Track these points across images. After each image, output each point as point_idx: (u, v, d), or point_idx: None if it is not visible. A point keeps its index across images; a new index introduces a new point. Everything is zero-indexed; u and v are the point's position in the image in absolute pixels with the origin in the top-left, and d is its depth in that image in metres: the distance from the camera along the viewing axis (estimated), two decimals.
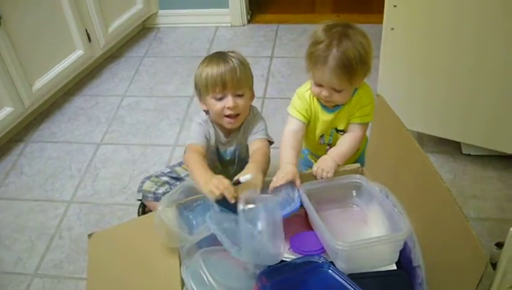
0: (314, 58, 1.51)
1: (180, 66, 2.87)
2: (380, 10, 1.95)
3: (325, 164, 1.52)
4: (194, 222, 1.46)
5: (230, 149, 1.76)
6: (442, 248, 1.21)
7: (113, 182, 2.23)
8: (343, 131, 1.66)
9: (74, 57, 2.64)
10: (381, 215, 1.43)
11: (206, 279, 1.26)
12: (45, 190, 2.22)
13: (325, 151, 1.63)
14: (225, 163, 1.80)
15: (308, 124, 1.66)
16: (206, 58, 1.67)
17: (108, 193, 2.17)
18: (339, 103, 1.60)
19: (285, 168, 1.49)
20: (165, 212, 1.37)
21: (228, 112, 1.62)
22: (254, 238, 1.30)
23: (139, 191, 1.86)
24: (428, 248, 1.26)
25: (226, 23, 3.18)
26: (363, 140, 1.68)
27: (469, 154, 2.16)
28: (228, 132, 1.73)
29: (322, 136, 1.69)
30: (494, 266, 1.13)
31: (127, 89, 2.76)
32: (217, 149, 1.77)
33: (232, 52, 1.66)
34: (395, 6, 1.83)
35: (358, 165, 1.56)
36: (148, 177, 1.89)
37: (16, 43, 2.31)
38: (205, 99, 1.65)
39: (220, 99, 1.62)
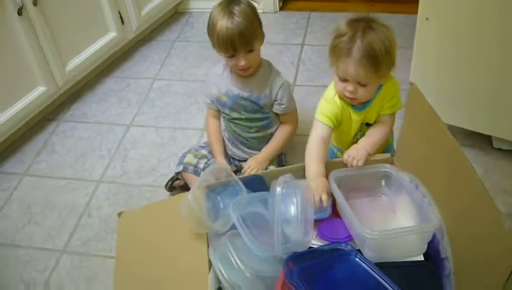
0: (337, 51, 1.48)
1: (210, 51, 2.81)
2: (415, 0, 1.92)
3: (356, 152, 1.51)
4: (221, 205, 1.47)
5: (246, 94, 1.84)
6: (472, 240, 1.20)
7: (141, 163, 2.25)
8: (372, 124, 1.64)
9: (107, 39, 2.67)
10: (410, 206, 1.42)
11: (234, 261, 1.27)
12: (75, 169, 2.26)
13: None
14: (244, 108, 1.87)
15: (340, 126, 1.64)
16: (218, 6, 1.73)
17: (136, 174, 2.20)
18: (364, 99, 1.55)
19: (318, 183, 1.45)
20: (194, 199, 1.37)
21: (241, 68, 1.74)
22: (286, 223, 1.31)
23: (180, 163, 1.96)
24: (457, 239, 1.25)
25: (258, 10, 3.15)
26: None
27: (500, 149, 2.12)
28: (243, 77, 1.83)
29: (355, 135, 1.68)
30: None
31: (157, 73, 2.78)
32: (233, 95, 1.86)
33: (239, 3, 1.71)
34: None
35: (388, 155, 1.55)
36: (189, 151, 2.00)
37: (51, 24, 2.34)
38: (218, 52, 1.76)
39: (232, 56, 1.72)
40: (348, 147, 1.65)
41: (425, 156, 1.42)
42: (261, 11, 3.16)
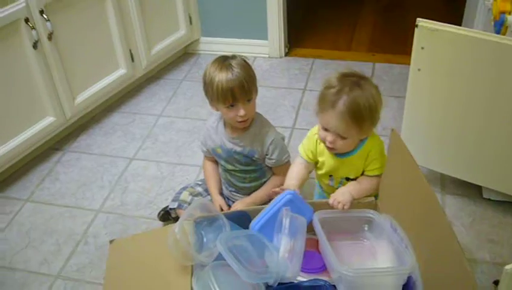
0: (324, 102, 1.56)
1: None
2: None
3: (342, 197, 1.57)
4: (205, 239, 1.52)
5: (239, 149, 1.89)
6: (441, 280, 1.25)
7: (140, 196, 2.33)
8: (354, 180, 1.70)
9: (117, 75, 2.79)
10: (389, 251, 1.48)
11: None
12: (76, 197, 2.34)
13: None
14: (238, 161, 1.92)
15: (319, 165, 1.74)
16: (212, 64, 1.79)
17: (134, 206, 2.27)
18: (342, 151, 1.63)
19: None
20: (180, 231, 1.43)
21: (240, 119, 1.78)
22: (275, 258, 1.38)
23: (175, 200, 2.02)
24: (428, 280, 1.30)
25: (264, 54, 3.29)
26: None
27: (489, 199, 2.17)
28: (236, 132, 1.88)
29: (330, 177, 1.74)
30: None
31: (163, 110, 2.89)
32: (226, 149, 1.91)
33: (234, 58, 1.78)
34: (422, 48, 1.89)
35: (372, 198, 1.62)
36: (185, 188, 2.07)
37: (64, 58, 2.46)
38: (216, 105, 1.81)
39: (231, 106, 1.76)
40: (325, 188, 1.76)
41: (403, 201, 1.48)
42: (267, 56, 3.29)
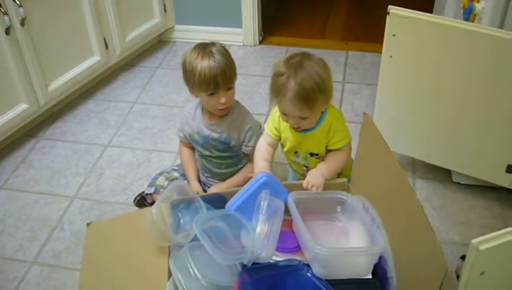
0: (274, 91, 1.60)
1: None
2: None
3: (315, 180, 1.61)
4: (182, 221, 1.54)
5: (216, 135, 1.91)
6: (412, 258, 1.30)
7: (116, 182, 2.33)
8: (317, 155, 1.74)
9: (91, 62, 2.77)
10: (361, 231, 1.51)
11: (191, 271, 1.35)
12: (51, 184, 2.33)
13: (305, 172, 1.73)
14: (215, 148, 1.94)
15: (283, 142, 1.78)
16: (192, 52, 1.78)
17: (110, 192, 2.28)
18: (308, 127, 1.67)
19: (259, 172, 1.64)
20: (158, 213, 1.45)
21: (221, 107, 1.80)
22: (250, 237, 1.41)
23: (151, 185, 2.02)
24: (399, 259, 1.35)
25: (239, 42, 3.30)
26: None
27: (459, 183, 2.24)
28: (214, 118, 1.90)
29: (295, 153, 1.78)
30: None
31: (138, 97, 2.89)
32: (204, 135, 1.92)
33: (214, 45, 1.78)
34: (394, 35, 1.93)
35: (345, 180, 1.66)
36: (161, 173, 2.07)
37: (37, 44, 2.44)
38: (197, 93, 1.81)
39: (212, 94, 1.77)
40: (294, 166, 1.81)
41: (375, 182, 1.52)
42: (241, 44, 3.30)
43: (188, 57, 1.79)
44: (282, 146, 1.81)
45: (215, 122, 1.89)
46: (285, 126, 1.73)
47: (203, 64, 1.73)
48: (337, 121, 1.68)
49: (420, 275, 1.26)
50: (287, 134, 1.74)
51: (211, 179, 2.03)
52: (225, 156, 1.95)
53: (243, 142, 1.91)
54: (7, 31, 2.26)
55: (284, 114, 1.63)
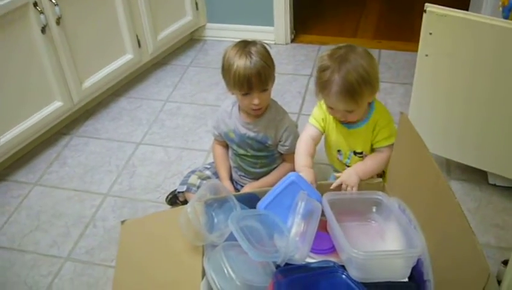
0: (319, 85, 1.60)
1: (221, 78, 2.99)
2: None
3: (350, 180, 1.60)
4: (216, 220, 1.54)
5: (253, 134, 1.89)
6: (451, 261, 1.27)
7: (148, 180, 2.34)
8: (362, 154, 1.72)
9: (124, 60, 2.80)
10: (398, 232, 1.49)
11: (225, 270, 1.34)
12: (84, 181, 2.36)
13: None
14: (251, 146, 1.93)
15: (327, 136, 1.76)
16: (232, 48, 1.77)
17: (142, 190, 2.29)
18: (354, 120, 1.66)
19: (306, 173, 1.61)
20: (192, 211, 1.45)
21: (254, 107, 1.79)
22: (285, 238, 1.40)
23: (184, 183, 2.02)
24: (437, 262, 1.32)
25: (270, 41, 3.29)
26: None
27: (495, 185, 2.19)
28: (251, 117, 1.89)
29: (339, 151, 1.76)
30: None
31: (169, 95, 2.90)
32: (240, 133, 1.91)
33: (254, 44, 1.76)
34: (430, 33, 1.90)
35: (380, 180, 1.63)
36: (193, 171, 2.07)
37: (72, 42, 2.47)
38: (232, 90, 1.81)
39: (246, 94, 1.76)
40: (335, 164, 1.79)
41: (412, 182, 1.49)
42: (273, 42, 3.29)
43: (228, 53, 1.78)
44: (325, 143, 1.80)
45: (252, 121, 1.88)
46: (331, 119, 1.71)
47: (239, 64, 1.72)
48: (383, 118, 1.66)
49: (459, 278, 1.23)
50: (332, 129, 1.73)
51: (244, 178, 2.02)
52: (260, 156, 1.94)
53: (280, 141, 1.90)
54: (43, 30, 2.29)
55: (330, 108, 1.63)
